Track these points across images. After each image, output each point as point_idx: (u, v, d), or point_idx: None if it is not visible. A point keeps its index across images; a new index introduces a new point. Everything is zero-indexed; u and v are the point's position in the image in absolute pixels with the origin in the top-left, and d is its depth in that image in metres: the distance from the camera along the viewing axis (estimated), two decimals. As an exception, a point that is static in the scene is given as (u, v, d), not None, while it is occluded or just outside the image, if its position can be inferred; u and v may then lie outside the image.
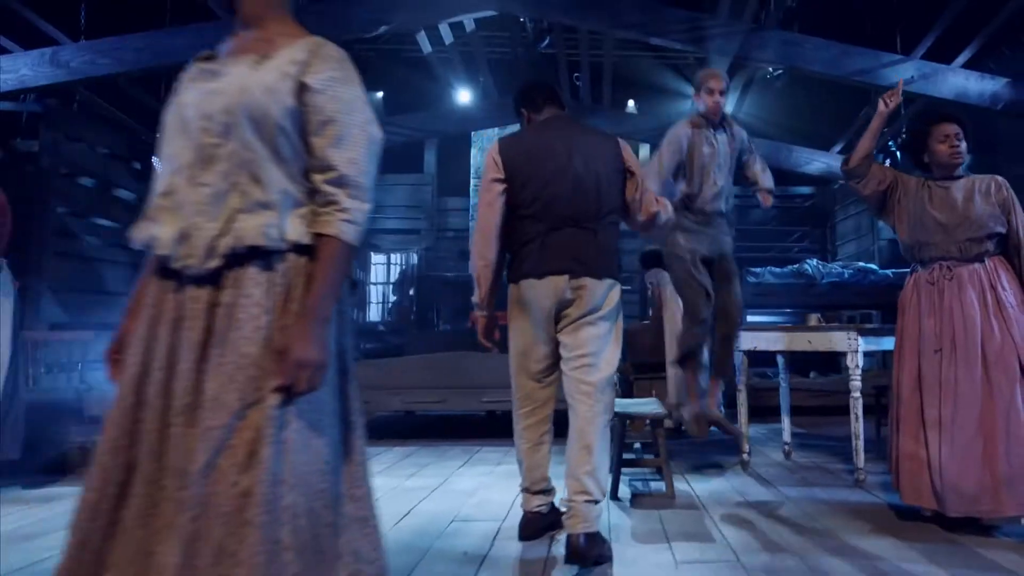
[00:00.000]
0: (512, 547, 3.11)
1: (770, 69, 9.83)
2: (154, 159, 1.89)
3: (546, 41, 9.98)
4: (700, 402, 4.52)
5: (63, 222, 7.78)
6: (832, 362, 8.22)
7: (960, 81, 7.60)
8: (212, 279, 1.67)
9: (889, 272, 8.37)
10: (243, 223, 1.66)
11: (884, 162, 9.70)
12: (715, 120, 4.54)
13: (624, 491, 4.11)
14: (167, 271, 1.71)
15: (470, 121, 11.48)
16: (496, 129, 11.61)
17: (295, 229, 1.71)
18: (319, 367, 1.64)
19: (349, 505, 1.76)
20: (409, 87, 11.63)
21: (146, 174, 9.36)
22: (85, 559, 1.59)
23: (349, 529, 1.74)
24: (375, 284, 13.25)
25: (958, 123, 3.45)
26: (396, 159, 11.05)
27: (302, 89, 1.73)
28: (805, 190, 12.38)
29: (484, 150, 12.09)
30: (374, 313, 13.13)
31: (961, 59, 7.69)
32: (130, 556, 1.58)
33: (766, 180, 4.90)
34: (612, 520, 3.54)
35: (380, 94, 11.05)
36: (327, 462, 1.70)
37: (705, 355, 4.57)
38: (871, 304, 8.64)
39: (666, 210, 3.19)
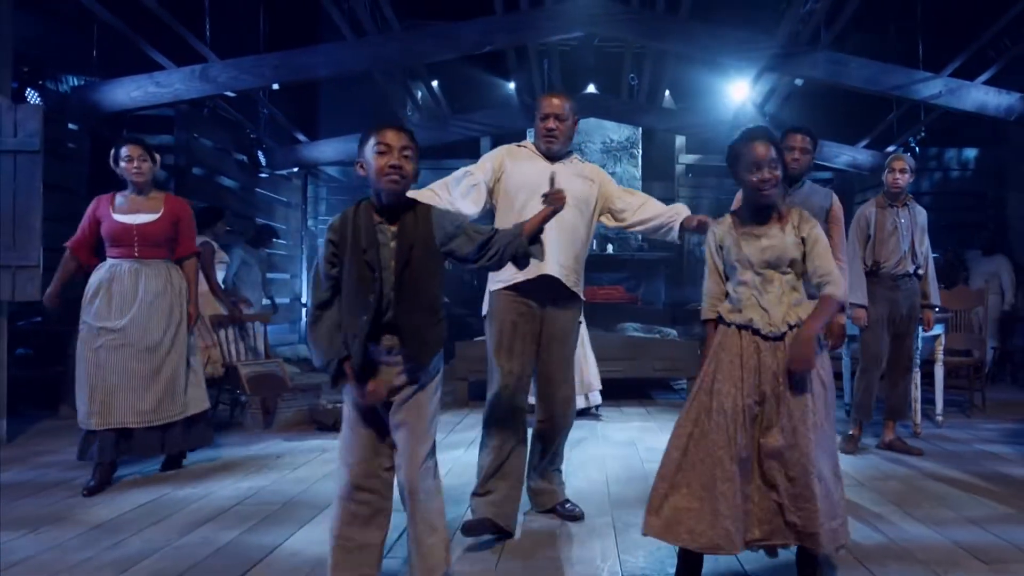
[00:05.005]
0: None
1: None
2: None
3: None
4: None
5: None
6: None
7: (980, 96, 8.15)
8: None
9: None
10: None
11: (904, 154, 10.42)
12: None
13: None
14: None
15: (531, 117, 11.90)
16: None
17: None
18: None
19: None
20: (468, 82, 12.16)
21: (247, 165, 10.09)
22: None
23: None
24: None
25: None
26: (453, 146, 11.65)
27: None
28: (826, 175, 12.92)
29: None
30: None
31: (984, 76, 8.25)
32: None
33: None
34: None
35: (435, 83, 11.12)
36: None
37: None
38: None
39: None
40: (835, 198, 4.33)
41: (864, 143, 11.14)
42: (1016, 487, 4.18)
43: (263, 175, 10.63)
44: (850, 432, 5.10)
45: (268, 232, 8.74)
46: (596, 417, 6.37)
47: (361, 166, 2.42)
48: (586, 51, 10.94)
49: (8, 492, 4.08)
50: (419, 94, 11.11)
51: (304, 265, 12.08)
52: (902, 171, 5.02)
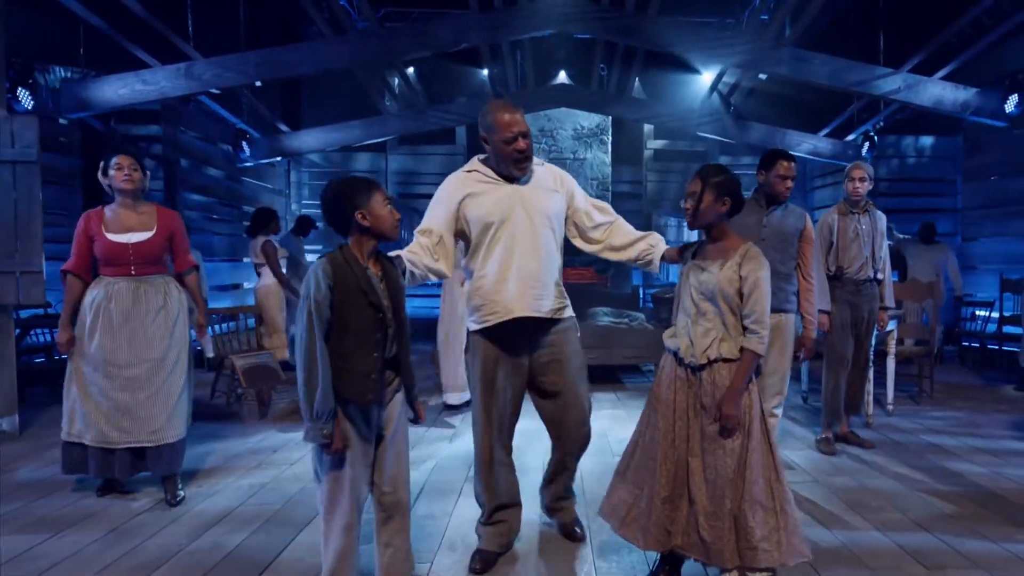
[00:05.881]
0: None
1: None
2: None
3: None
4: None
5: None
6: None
7: (938, 91, 8.48)
8: None
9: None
10: None
11: (863, 145, 10.78)
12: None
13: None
14: None
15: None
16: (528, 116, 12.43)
17: None
18: None
19: None
20: (443, 70, 12.37)
21: (232, 155, 10.31)
22: None
23: None
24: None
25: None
26: (431, 134, 11.94)
27: None
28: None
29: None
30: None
31: (942, 72, 8.58)
32: None
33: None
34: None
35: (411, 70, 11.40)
36: None
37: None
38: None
39: None
40: (808, 219, 4.45)
41: (825, 132, 11.51)
42: (957, 484, 4.44)
43: (248, 164, 10.82)
44: (824, 436, 5.28)
45: (308, 222, 8.96)
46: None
47: (364, 216, 2.54)
48: (558, 42, 11.15)
49: (27, 492, 4.34)
50: (395, 81, 11.30)
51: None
52: (861, 179, 5.12)
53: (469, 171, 3.25)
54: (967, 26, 8.21)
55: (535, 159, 3.27)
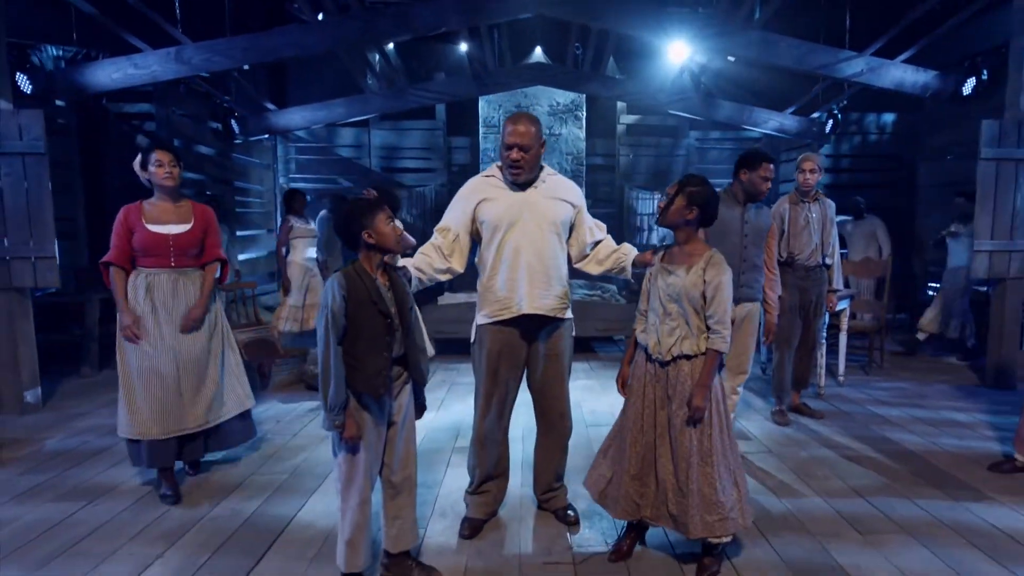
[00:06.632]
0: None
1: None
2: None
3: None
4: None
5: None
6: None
7: (899, 74, 8.84)
8: None
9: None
10: None
11: (828, 122, 11.16)
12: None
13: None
14: None
15: (483, 84, 12.09)
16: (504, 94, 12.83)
17: None
18: None
19: None
20: (422, 47, 12.63)
21: (222, 134, 10.59)
22: None
23: None
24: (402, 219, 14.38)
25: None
26: (412, 110, 12.29)
27: None
28: (756, 134, 13.65)
29: (491, 101, 13.21)
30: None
31: (904, 56, 8.91)
32: None
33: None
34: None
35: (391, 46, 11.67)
36: None
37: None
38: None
39: None
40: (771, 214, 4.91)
41: (791, 110, 11.86)
42: (895, 454, 4.85)
43: (237, 141, 11.13)
44: (778, 408, 5.67)
45: (343, 197, 9.30)
46: None
47: (370, 235, 2.86)
48: (535, 21, 11.40)
49: (60, 462, 4.75)
50: (376, 58, 11.57)
51: (279, 221, 12.73)
52: (812, 171, 5.34)
53: (487, 176, 3.56)
54: (932, 9, 8.46)
55: (550, 172, 3.57)
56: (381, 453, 3.05)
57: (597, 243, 3.69)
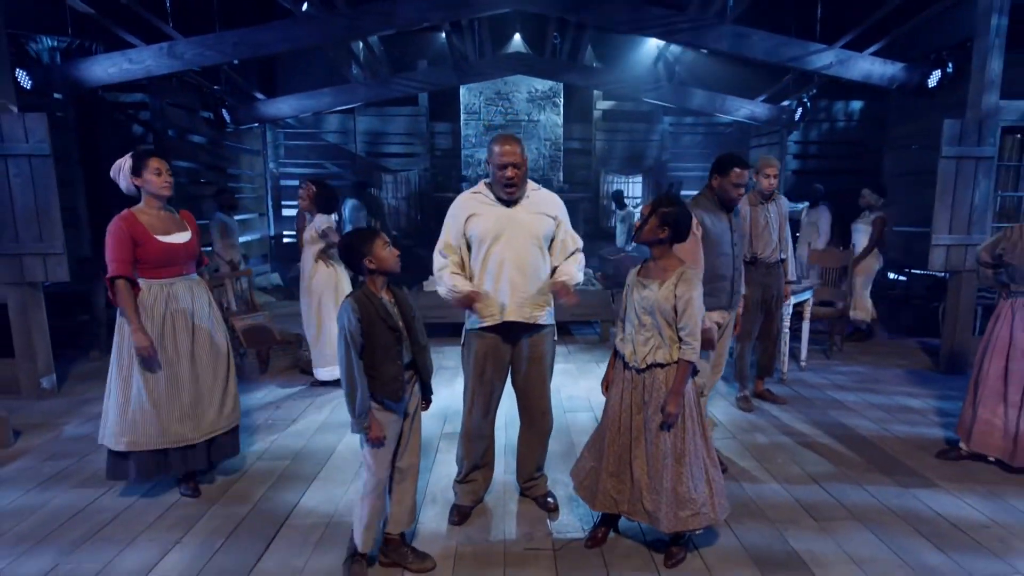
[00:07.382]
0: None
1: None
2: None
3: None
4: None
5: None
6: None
7: (867, 66, 9.07)
8: None
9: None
10: None
11: (797, 110, 11.47)
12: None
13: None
14: None
15: (464, 74, 12.34)
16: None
17: None
18: None
19: None
20: (405, 36, 12.83)
21: (213, 123, 10.81)
22: None
23: None
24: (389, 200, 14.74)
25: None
26: (396, 98, 12.61)
27: None
28: (727, 120, 13.92)
29: (472, 89, 13.46)
30: (391, 223, 14.69)
31: (872, 48, 9.16)
32: None
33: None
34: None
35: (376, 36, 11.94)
36: None
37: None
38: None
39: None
40: None
41: (762, 98, 12.16)
42: (849, 441, 5.12)
43: (228, 130, 11.40)
44: (742, 394, 5.96)
45: (365, 184, 9.47)
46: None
47: (371, 261, 3.18)
48: (514, 12, 11.65)
49: (78, 447, 5.08)
50: (359, 46, 11.82)
51: (270, 204, 13.13)
52: (775, 175, 5.53)
53: (475, 192, 3.78)
54: (900, 4, 8.67)
55: (534, 188, 3.79)
56: (396, 445, 3.40)
57: (567, 256, 3.83)
